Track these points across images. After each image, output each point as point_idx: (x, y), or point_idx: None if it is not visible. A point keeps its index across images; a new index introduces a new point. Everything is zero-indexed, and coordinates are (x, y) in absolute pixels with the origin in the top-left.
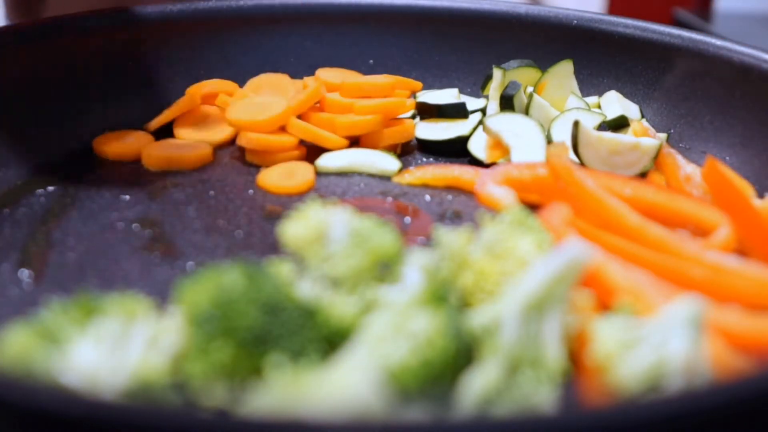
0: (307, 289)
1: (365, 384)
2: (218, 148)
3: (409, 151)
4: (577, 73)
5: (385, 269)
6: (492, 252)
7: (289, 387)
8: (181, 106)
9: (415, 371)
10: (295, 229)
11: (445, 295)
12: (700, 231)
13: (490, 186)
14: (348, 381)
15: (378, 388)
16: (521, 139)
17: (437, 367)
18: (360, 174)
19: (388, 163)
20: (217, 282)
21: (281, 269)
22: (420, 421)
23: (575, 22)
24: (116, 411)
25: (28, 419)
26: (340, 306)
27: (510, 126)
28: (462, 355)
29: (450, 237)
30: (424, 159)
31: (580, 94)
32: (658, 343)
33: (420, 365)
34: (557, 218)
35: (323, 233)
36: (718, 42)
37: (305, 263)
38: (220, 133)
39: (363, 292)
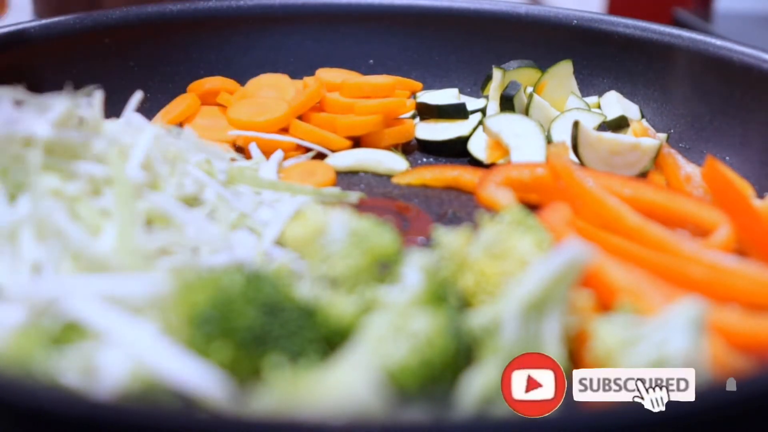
0: (306, 290)
1: (365, 384)
2: None
3: (409, 151)
4: (577, 73)
5: (384, 269)
6: (492, 252)
7: (289, 387)
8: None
9: (415, 371)
10: (294, 229)
11: (445, 296)
12: (700, 231)
13: (490, 186)
14: (348, 381)
15: (378, 388)
16: (521, 139)
17: (437, 367)
18: (361, 174)
19: (395, 162)
20: (215, 283)
21: (280, 269)
22: (420, 421)
23: (575, 22)
24: (116, 411)
25: (28, 419)
26: (339, 306)
27: (510, 126)
28: (462, 355)
29: (450, 237)
30: (424, 159)
31: (580, 94)
32: (658, 341)
33: (420, 365)
34: (557, 218)
35: (322, 233)
36: (718, 42)
37: (304, 263)
38: (221, 133)
39: (362, 292)
